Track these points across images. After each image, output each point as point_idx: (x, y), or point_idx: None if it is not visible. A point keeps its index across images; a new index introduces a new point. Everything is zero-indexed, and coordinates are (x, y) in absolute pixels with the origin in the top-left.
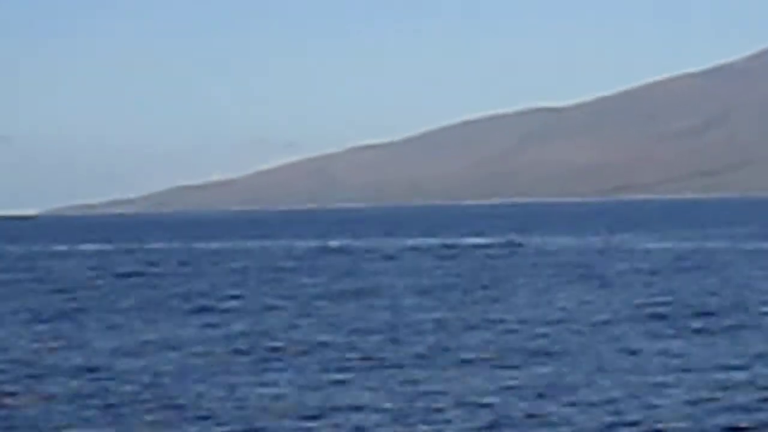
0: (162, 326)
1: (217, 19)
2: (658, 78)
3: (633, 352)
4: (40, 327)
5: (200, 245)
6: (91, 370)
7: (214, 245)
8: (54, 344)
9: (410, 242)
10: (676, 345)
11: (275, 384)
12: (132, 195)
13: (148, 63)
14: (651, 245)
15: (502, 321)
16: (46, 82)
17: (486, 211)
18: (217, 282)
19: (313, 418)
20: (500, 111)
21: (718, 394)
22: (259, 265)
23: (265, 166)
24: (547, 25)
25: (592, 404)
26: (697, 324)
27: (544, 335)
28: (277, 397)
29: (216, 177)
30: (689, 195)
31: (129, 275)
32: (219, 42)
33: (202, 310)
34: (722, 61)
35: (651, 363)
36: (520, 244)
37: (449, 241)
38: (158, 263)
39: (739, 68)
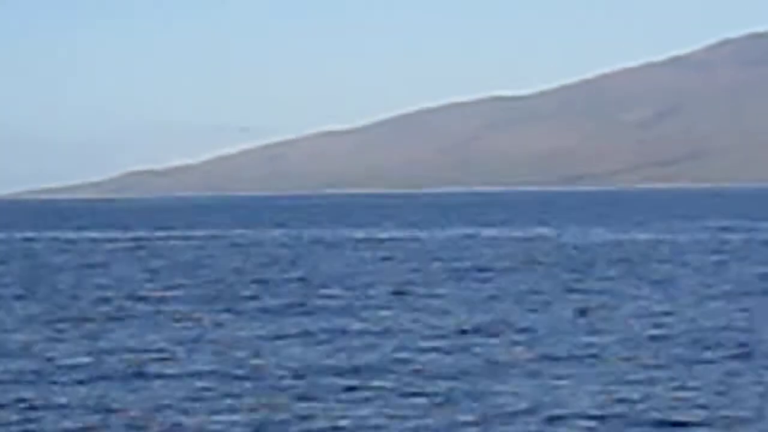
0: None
1: (174, 2)
2: (616, 68)
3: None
4: None
5: (145, 234)
6: None
7: (159, 234)
8: None
9: (358, 234)
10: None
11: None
12: (90, 180)
13: (105, 48)
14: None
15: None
16: (5, 69)
17: (444, 201)
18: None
19: None
20: (460, 99)
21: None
22: (176, 260)
23: (223, 152)
24: (507, 14)
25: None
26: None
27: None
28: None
29: (174, 162)
30: (645, 185)
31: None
32: (177, 26)
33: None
34: (679, 52)
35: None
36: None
37: (397, 233)
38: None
39: (695, 59)
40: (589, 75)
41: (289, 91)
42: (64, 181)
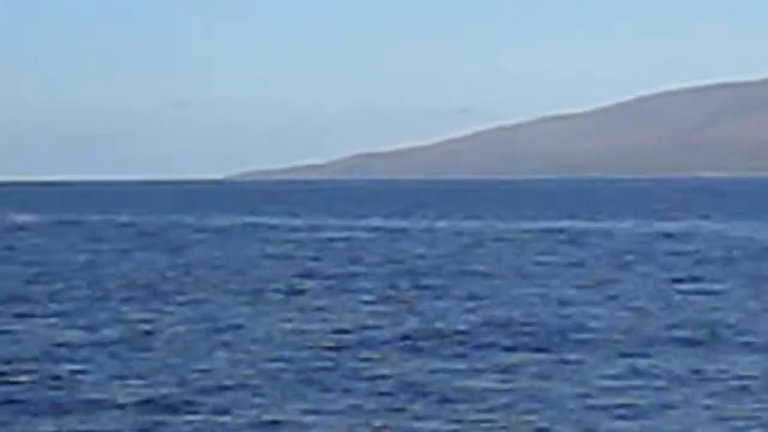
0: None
1: None
2: None
3: None
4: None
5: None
6: None
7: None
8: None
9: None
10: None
11: None
12: (318, 161)
13: (335, 28)
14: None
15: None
16: (225, 47)
17: (671, 187)
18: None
19: None
20: (690, 85)
21: None
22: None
23: (450, 135)
24: (739, 1)
25: None
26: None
27: None
28: None
29: (402, 144)
30: None
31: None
32: (412, 8)
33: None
34: None
35: None
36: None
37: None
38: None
39: None
40: None
41: (517, 75)
42: (288, 163)
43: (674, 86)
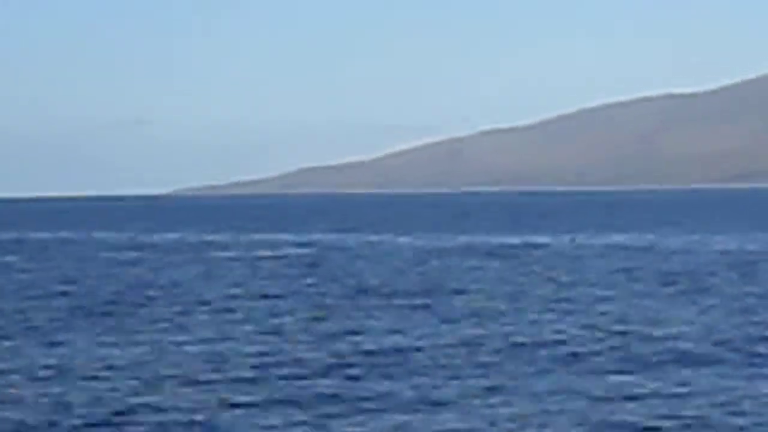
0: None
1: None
2: None
3: None
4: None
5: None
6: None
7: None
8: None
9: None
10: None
11: None
12: (263, 175)
13: (283, 46)
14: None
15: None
16: (184, 68)
17: (614, 201)
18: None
19: None
20: (633, 96)
21: None
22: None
23: (395, 149)
24: (679, 10)
25: None
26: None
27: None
28: None
29: (348, 159)
30: None
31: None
32: (352, 32)
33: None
34: None
35: None
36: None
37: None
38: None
39: None
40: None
41: (464, 89)
42: (238, 177)
43: (618, 98)
